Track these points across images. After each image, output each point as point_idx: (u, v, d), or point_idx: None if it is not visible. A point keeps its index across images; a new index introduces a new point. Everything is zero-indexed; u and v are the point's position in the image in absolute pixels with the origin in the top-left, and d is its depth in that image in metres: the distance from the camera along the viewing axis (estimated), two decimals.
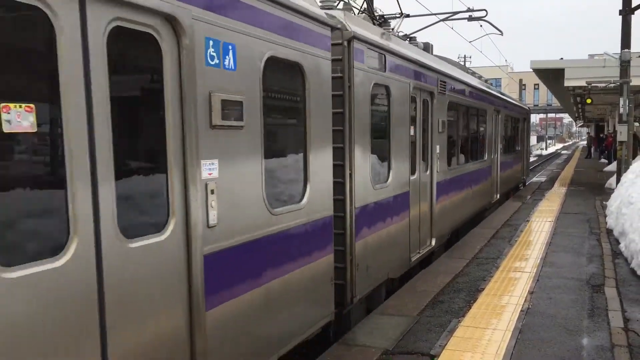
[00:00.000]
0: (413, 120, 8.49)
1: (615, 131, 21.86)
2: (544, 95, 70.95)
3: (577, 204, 16.21)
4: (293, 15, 4.98)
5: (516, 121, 20.42)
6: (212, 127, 3.91)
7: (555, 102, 58.16)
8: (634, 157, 19.54)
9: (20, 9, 2.67)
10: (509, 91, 44.96)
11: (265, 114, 4.58)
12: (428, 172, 9.34)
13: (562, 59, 22.05)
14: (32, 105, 2.68)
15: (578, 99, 28.22)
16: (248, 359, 4.41)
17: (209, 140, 3.89)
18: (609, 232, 11.68)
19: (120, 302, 3.19)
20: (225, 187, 4.07)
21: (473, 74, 15.49)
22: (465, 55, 60.98)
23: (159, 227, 3.53)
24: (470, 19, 18.07)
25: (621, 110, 17.89)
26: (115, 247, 3.15)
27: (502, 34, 19.96)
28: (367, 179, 6.77)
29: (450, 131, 10.61)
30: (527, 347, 5.62)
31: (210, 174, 3.90)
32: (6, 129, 2.56)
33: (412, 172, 8.47)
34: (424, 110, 9.05)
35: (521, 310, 6.72)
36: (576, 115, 51.00)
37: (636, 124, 21.57)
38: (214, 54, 3.94)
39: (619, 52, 18.01)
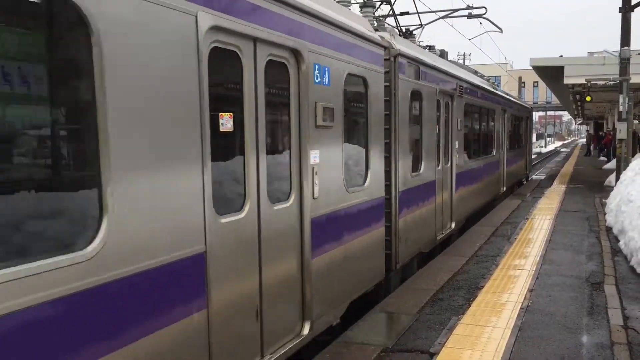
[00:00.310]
0: (438, 120, 9.99)
1: (614, 129, 21.86)
2: (544, 93, 70.97)
3: (577, 202, 16.21)
4: (362, 41, 6.52)
5: (520, 119, 22.00)
6: (316, 127, 5.45)
7: (555, 100, 58.17)
8: (633, 155, 19.53)
9: (230, 56, 4.27)
10: (508, 89, 45.00)
11: (344, 117, 6.07)
12: (449, 164, 10.86)
13: (561, 56, 22.03)
14: (231, 114, 4.26)
15: (577, 96, 28.22)
16: (333, 299, 5.89)
17: (314, 136, 5.40)
18: (609, 229, 11.68)
19: (268, 245, 4.72)
20: (322, 171, 5.56)
21: (482, 76, 16.69)
22: (464, 53, 61.00)
23: (286, 197, 5.07)
24: (470, 16, 18.07)
25: (620, 107, 17.88)
26: (265, 208, 4.69)
27: (501, 32, 19.96)
28: (406, 169, 8.25)
29: (465, 129, 12.14)
30: (526, 345, 5.62)
31: (314, 161, 5.42)
32: (221, 129, 4.14)
33: (437, 164, 9.96)
34: (445, 111, 10.54)
35: (521, 308, 6.71)
36: (575, 113, 51.03)
37: (635, 121, 21.56)
38: (318, 75, 5.47)
39: (619, 49, 17.99)
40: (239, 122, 4.37)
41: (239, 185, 4.44)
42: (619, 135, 18.27)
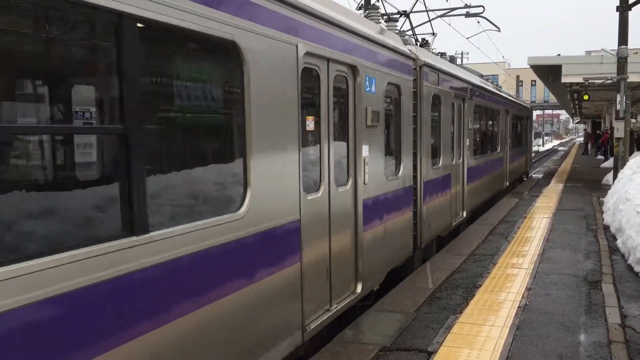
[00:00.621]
0: (453, 120, 11.35)
1: (612, 127, 21.88)
2: (541, 91, 71.03)
3: (574, 201, 16.24)
4: (397, 55, 8.01)
5: (521, 119, 23.32)
6: (367, 127, 6.75)
7: (552, 99, 58.20)
8: (630, 154, 19.56)
9: (312, 73, 5.59)
10: (506, 88, 44.94)
11: (384, 118, 7.40)
12: (461, 160, 12.23)
13: (559, 55, 22.06)
14: (312, 117, 5.58)
15: (575, 95, 28.25)
16: (376, 267, 7.24)
17: (365, 134, 6.72)
18: (606, 228, 11.69)
19: (334, 219, 6.03)
20: (369, 162, 6.87)
21: (487, 79, 18.03)
22: (462, 52, 60.96)
23: (345, 182, 6.41)
24: (468, 15, 18.05)
25: (618, 106, 17.89)
26: (333, 190, 6.01)
27: (499, 31, 19.96)
28: (428, 162, 9.58)
29: (474, 128, 13.52)
30: (524, 344, 5.62)
31: (365, 154, 6.71)
32: (307, 128, 5.45)
33: (452, 159, 11.37)
34: (458, 112, 11.91)
35: (518, 307, 6.72)
36: (573, 111, 51.08)
37: (633, 120, 21.58)
38: (367, 85, 6.77)
39: (616, 48, 18.00)
40: (317, 123, 5.70)
41: (316, 172, 5.74)
42: (616, 134, 18.29)
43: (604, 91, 23.48)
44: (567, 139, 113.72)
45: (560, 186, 20.21)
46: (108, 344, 3.15)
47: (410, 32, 13.24)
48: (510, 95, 21.87)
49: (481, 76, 16.56)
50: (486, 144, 15.47)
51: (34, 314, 2.75)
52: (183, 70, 4.10)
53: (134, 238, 3.35)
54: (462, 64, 21.18)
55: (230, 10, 4.22)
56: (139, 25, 3.39)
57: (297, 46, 5.16)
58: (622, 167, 16.49)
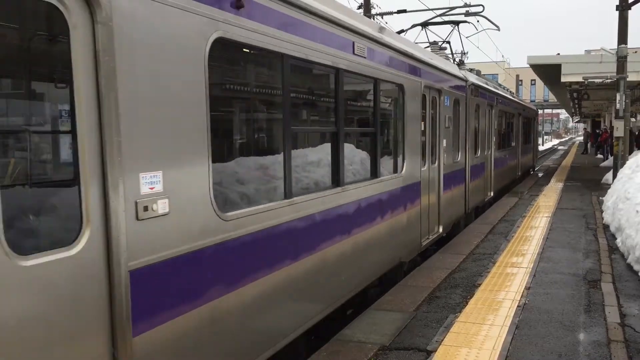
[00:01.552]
0: (485, 122, 14.95)
1: (611, 126, 21.88)
2: (541, 90, 70.96)
3: (574, 200, 16.23)
4: (458, 80, 11.60)
5: (529, 120, 27.12)
6: (445, 128, 10.24)
7: (552, 98, 58.16)
8: (630, 153, 19.54)
9: (424, 98, 9.32)
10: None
11: (452, 123, 10.93)
12: (490, 152, 15.69)
13: (559, 54, 22.03)
14: (423, 122, 9.25)
15: (575, 94, 28.22)
16: (447, 218, 10.82)
17: (443, 133, 10.18)
18: (606, 227, 11.69)
19: (431, 184, 9.66)
20: (446, 151, 10.45)
21: (504, 88, 22.58)
22: (462, 51, 60.86)
23: (436, 162, 10.06)
24: (467, 14, 18.02)
25: (618, 105, 17.88)
26: (434, 166, 9.75)
27: (499, 30, 19.92)
28: (472, 153, 13.14)
29: (499, 128, 17.30)
30: (523, 343, 5.61)
31: (444, 145, 10.27)
32: (422, 129, 9.29)
33: (485, 151, 14.94)
34: (488, 116, 15.43)
35: (518, 306, 6.71)
36: (573, 110, 51.04)
37: (633, 119, 21.57)
38: (445, 101, 10.31)
39: (616, 47, 17.98)
40: (431, 126, 9.70)
41: (430, 155, 9.63)
42: (616, 133, 18.27)
43: (603, 90, 23.46)
44: (566, 138, 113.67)
45: (560, 185, 20.20)
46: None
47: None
48: (521, 100, 26.61)
49: (499, 85, 20.57)
50: (505, 140, 18.90)
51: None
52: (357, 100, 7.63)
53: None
54: (497, 82, 23.27)
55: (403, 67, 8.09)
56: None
57: (421, 83, 8.78)
58: (621, 166, 16.48)
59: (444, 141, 10.25)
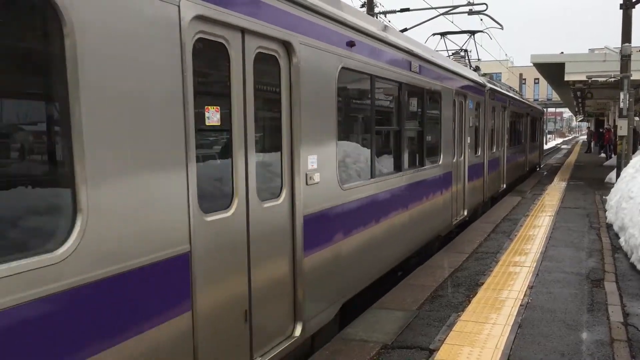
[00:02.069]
0: (500, 122, 16.66)
1: (614, 125, 21.82)
2: (544, 89, 70.81)
3: (577, 199, 16.20)
4: (479, 86, 13.33)
5: (536, 119, 29.14)
6: (469, 127, 12.44)
7: (555, 97, 58.03)
8: (634, 152, 19.49)
9: (460, 104, 12.00)
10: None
11: (472, 124, 12.76)
12: (502, 148, 17.37)
13: (562, 53, 21.98)
14: (452, 125, 11.67)
15: (578, 93, 28.15)
16: (471, 204, 12.82)
17: (468, 131, 12.29)
18: (609, 226, 11.66)
19: (459, 174, 11.72)
20: (470, 147, 12.63)
21: (514, 91, 23.70)
22: (465, 50, 60.73)
23: (461, 156, 11.96)
24: (471, 12, 18.00)
25: (621, 104, 17.83)
26: (459, 159, 11.82)
27: (502, 28, 19.90)
28: (489, 149, 14.74)
29: (510, 127, 18.96)
30: (526, 342, 5.61)
31: (468, 142, 12.35)
32: (450, 129, 11.62)
33: (498, 148, 16.54)
34: (502, 116, 17.11)
35: (521, 305, 6.70)
36: (576, 109, 50.94)
37: (636, 118, 21.52)
38: (470, 104, 12.38)
39: (620, 46, 17.93)
40: (459, 125, 11.47)
41: (458, 150, 11.45)
42: (619, 132, 18.23)
43: (607, 89, 23.40)
44: (570, 137, 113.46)
45: (563, 184, 20.17)
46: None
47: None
48: (529, 101, 28.31)
49: (510, 88, 22.00)
50: (515, 138, 20.63)
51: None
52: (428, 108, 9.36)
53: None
54: (509, 85, 24.17)
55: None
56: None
57: (452, 89, 10.27)
58: (625, 166, 16.45)
59: (468, 138, 12.27)
